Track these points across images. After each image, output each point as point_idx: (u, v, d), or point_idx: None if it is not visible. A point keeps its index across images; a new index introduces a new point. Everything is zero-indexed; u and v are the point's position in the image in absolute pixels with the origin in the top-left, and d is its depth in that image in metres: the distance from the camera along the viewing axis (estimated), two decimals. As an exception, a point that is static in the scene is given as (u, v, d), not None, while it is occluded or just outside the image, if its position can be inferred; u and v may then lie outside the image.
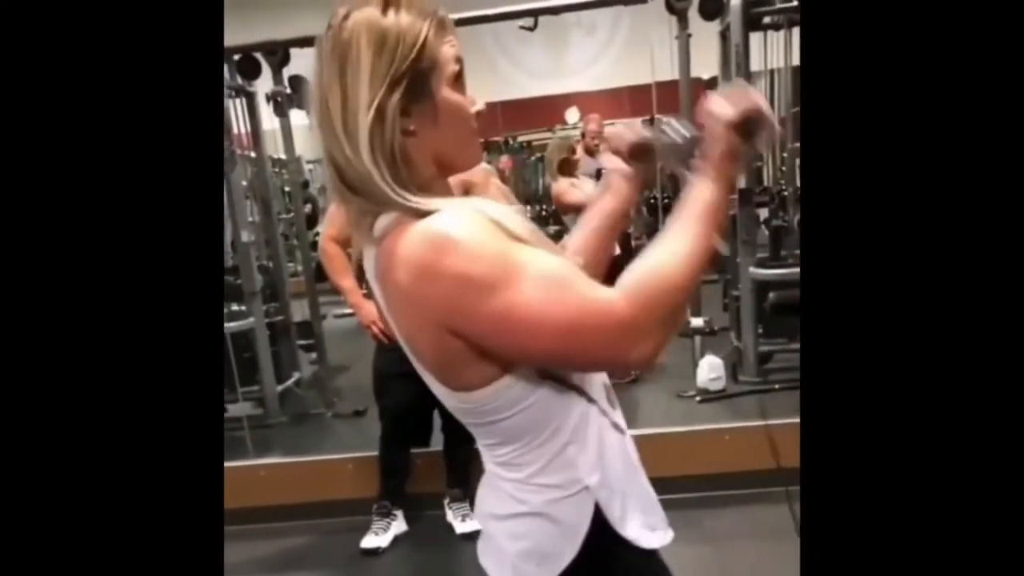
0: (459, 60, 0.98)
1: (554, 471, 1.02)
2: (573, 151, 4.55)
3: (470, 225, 0.91)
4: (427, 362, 1.00)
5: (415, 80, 0.94)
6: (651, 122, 1.21)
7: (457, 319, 0.92)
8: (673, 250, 0.98)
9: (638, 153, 1.24)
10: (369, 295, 3.71)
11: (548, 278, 0.91)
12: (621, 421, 1.11)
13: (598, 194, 1.30)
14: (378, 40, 0.92)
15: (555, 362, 0.98)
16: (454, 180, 1.10)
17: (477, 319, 0.91)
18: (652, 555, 1.11)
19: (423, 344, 0.98)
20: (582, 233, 1.27)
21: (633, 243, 6.68)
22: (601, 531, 1.04)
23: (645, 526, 1.09)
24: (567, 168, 4.47)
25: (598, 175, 4.55)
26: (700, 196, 1.02)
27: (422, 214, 0.93)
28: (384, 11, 0.94)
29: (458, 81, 0.99)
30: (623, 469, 1.08)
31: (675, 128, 1.14)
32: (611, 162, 1.28)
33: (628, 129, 1.26)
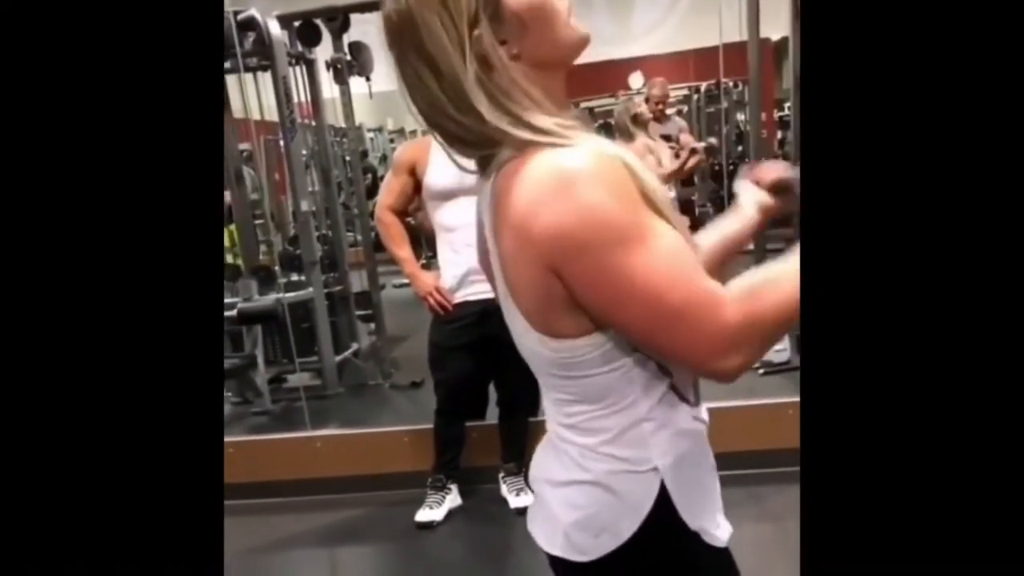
0: None
1: (625, 444, 0.97)
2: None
3: (609, 169, 0.84)
4: (522, 301, 0.94)
5: (487, 7, 0.88)
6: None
7: (564, 262, 0.86)
8: (795, 271, 0.91)
9: (779, 189, 1.28)
10: (427, 266, 3.69)
11: (673, 255, 0.86)
12: (704, 415, 1.04)
13: (732, 217, 1.28)
14: (438, 2, 0.87)
15: (640, 337, 0.91)
16: None
17: (586, 269, 0.85)
18: (721, 550, 1.04)
19: (522, 280, 0.91)
20: (701, 248, 1.20)
21: (697, 211, 6.54)
22: (667, 514, 0.97)
23: (715, 521, 1.03)
24: (641, 120, 4.33)
25: (665, 140, 4.45)
26: None
27: (559, 145, 0.87)
28: None
29: None
30: (698, 461, 1.02)
31: None
32: (749, 191, 1.29)
33: (778, 166, 1.29)
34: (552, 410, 1.04)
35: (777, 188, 1.28)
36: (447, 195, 2.78)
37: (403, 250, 3.01)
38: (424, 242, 5.42)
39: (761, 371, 4.14)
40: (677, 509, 0.98)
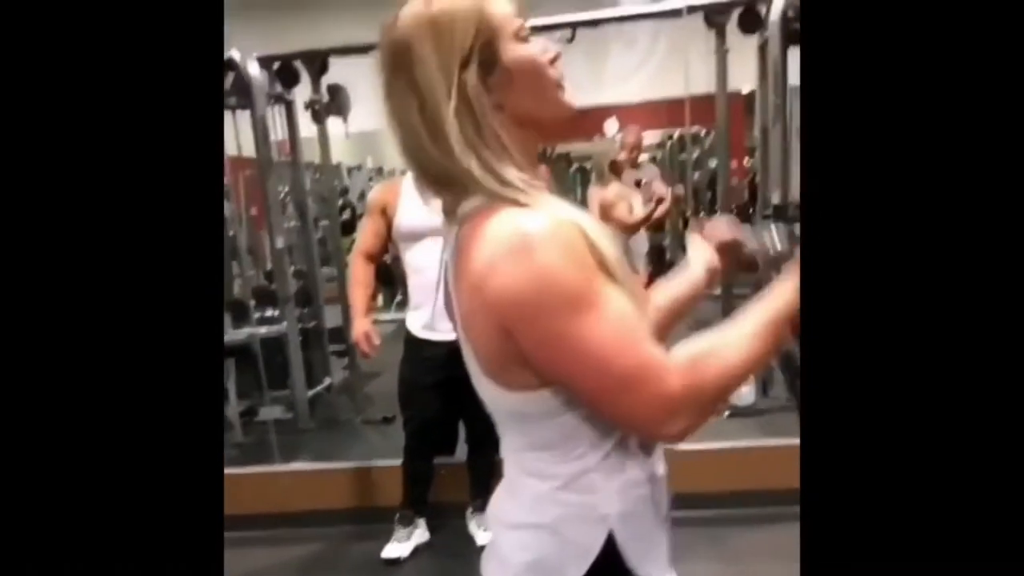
0: (519, 13, 0.96)
1: (575, 490, 1.00)
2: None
3: (565, 234, 0.87)
4: (478, 353, 0.98)
5: (483, 52, 0.91)
6: (744, 214, 1.25)
7: (516, 323, 0.89)
8: (740, 339, 0.96)
9: (728, 250, 1.26)
10: (402, 303, 3.69)
11: (622, 321, 0.89)
12: (659, 466, 1.07)
13: (680, 277, 1.26)
14: (432, 30, 0.91)
15: (586, 399, 0.94)
16: None
17: (537, 332, 0.89)
18: None
19: (477, 334, 0.96)
20: (651, 307, 1.22)
21: (668, 256, 6.63)
22: (614, 561, 1.00)
23: (662, 572, 1.06)
24: (617, 168, 4.46)
25: (637, 185, 4.54)
26: (783, 298, 0.99)
27: (520, 204, 0.90)
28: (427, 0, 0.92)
29: (521, 34, 0.95)
30: (649, 513, 1.04)
31: (773, 237, 1.18)
32: (699, 248, 1.27)
33: (727, 225, 1.26)
34: (508, 454, 1.07)
35: (725, 248, 1.26)
36: (415, 236, 2.83)
37: (356, 295, 3.06)
38: (398, 281, 5.45)
39: (726, 413, 4.20)
40: (624, 558, 1.00)
